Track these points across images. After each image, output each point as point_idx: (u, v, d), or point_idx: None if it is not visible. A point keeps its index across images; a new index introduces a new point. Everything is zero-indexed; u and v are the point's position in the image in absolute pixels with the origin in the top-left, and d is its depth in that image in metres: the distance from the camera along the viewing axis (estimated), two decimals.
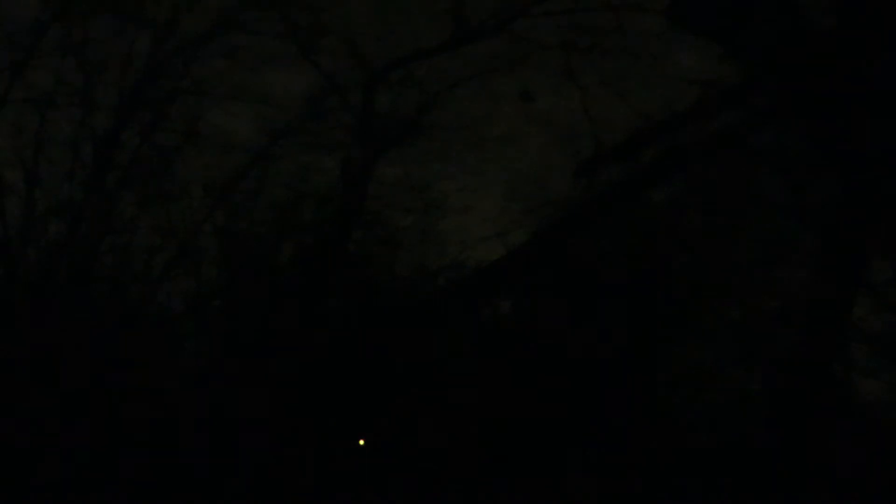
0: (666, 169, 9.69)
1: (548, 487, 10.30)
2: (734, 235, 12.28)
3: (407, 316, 11.35)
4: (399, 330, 10.94)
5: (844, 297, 8.42)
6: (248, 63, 12.43)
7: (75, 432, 9.48)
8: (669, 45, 11.17)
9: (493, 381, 11.05)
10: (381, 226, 13.21)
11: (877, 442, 10.67)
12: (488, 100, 13.20)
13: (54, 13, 11.47)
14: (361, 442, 10.74)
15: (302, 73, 12.86)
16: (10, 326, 10.54)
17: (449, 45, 12.64)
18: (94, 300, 11.64)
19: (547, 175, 12.98)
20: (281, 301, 12.09)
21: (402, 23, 12.63)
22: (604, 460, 10.72)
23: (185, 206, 12.29)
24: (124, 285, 11.97)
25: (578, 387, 11.31)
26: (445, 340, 11.59)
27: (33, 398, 9.63)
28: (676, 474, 10.62)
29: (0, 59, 11.43)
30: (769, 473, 9.03)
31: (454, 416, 10.70)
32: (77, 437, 9.45)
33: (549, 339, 11.77)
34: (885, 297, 11.07)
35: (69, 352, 10.20)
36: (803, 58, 7.35)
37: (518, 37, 12.51)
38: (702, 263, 12.34)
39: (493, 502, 10.15)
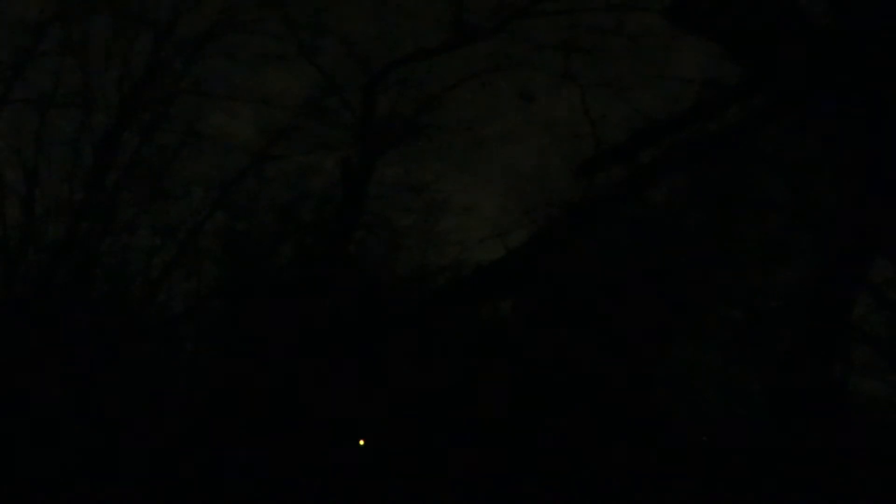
0: (666, 169, 9.69)
1: (547, 487, 10.30)
2: (734, 235, 12.28)
3: (407, 316, 11.35)
4: (399, 330, 10.94)
5: (844, 297, 8.42)
6: (248, 63, 12.45)
7: (75, 432, 9.48)
8: (669, 45, 11.19)
9: (493, 380, 11.05)
10: (381, 226, 13.22)
11: (877, 442, 10.67)
12: (488, 100, 13.23)
13: (54, 13, 11.49)
14: (361, 442, 10.74)
15: (302, 73, 12.88)
16: (10, 326, 10.54)
17: (449, 45, 12.64)
18: (94, 300, 11.64)
19: (547, 175, 13.00)
20: (281, 301, 12.09)
21: (402, 23, 12.65)
22: (603, 460, 10.72)
23: (185, 206, 12.32)
24: (124, 285, 11.98)
25: (577, 386, 11.31)
26: (445, 341, 11.59)
27: (33, 398, 9.63)
28: (676, 474, 10.62)
29: (0, 59, 11.46)
30: (769, 473, 9.04)
31: (454, 415, 10.70)
32: (77, 437, 9.45)
33: (548, 339, 11.77)
34: (885, 297, 11.08)
35: (69, 352, 10.20)
36: (803, 57, 7.36)
37: (518, 37, 12.52)
38: (702, 263, 12.34)
39: (493, 502, 10.15)
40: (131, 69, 11.92)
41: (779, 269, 12.20)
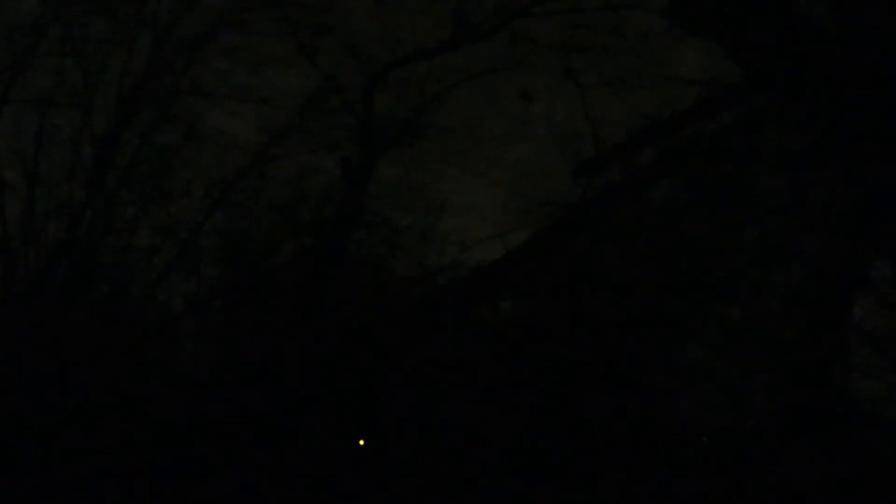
0: (666, 169, 9.70)
1: (547, 487, 10.30)
2: (734, 235, 12.27)
3: (407, 316, 11.35)
4: (399, 330, 10.94)
5: (844, 297, 8.42)
6: (248, 63, 12.44)
7: (75, 432, 9.48)
8: (669, 45, 11.18)
9: (493, 381, 11.05)
10: (381, 226, 13.21)
11: (877, 442, 10.67)
12: (488, 100, 13.22)
13: (54, 13, 11.48)
14: (361, 442, 10.74)
15: (302, 73, 12.87)
16: (10, 326, 10.54)
17: (449, 45, 12.64)
18: (94, 300, 11.63)
19: (547, 175, 12.98)
20: (281, 301, 12.09)
21: (402, 23, 12.65)
22: (602, 459, 10.72)
23: (185, 206, 12.31)
24: (124, 285, 11.97)
25: (577, 386, 11.31)
26: (445, 341, 11.58)
27: (33, 398, 9.63)
28: (675, 474, 10.62)
29: (0, 59, 11.44)
30: (769, 473, 9.04)
31: (454, 416, 10.70)
32: (77, 437, 9.45)
33: (548, 339, 11.76)
34: (885, 297, 11.07)
35: (69, 352, 10.20)
36: (803, 58, 7.36)
37: (518, 37, 12.52)
38: (702, 263, 12.33)
39: (493, 502, 10.15)
40: (131, 69, 11.91)
41: (779, 269, 12.20)
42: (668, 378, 12.37)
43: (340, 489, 9.87)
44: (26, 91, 11.61)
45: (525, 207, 13.03)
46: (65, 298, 11.07)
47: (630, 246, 12.67)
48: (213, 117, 12.38)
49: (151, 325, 11.80)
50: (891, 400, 11.43)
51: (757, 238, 12.24)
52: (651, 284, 12.02)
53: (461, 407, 10.79)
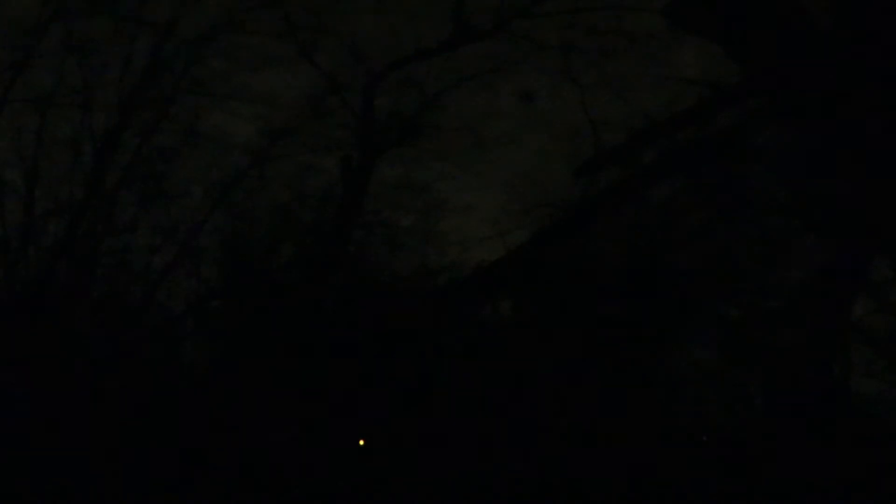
0: (666, 169, 9.71)
1: (547, 487, 10.30)
2: (734, 235, 12.27)
3: (407, 316, 11.35)
4: (399, 330, 10.94)
5: (844, 297, 8.43)
6: (248, 63, 12.45)
7: (74, 433, 9.48)
8: (669, 45, 11.20)
9: (492, 381, 11.05)
10: (381, 226, 13.21)
11: (877, 442, 10.67)
12: (488, 100, 13.23)
13: (54, 13, 11.49)
14: (361, 442, 10.74)
15: (302, 73, 12.88)
16: (10, 326, 10.54)
17: (449, 45, 12.66)
18: (94, 300, 11.64)
19: (547, 175, 12.98)
20: (281, 301, 12.09)
21: (402, 23, 12.66)
22: (602, 459, 10.72)
23: (185, 206, 12.32)
24: (124, 285, 11.97)
25: (577, 386, 11.31)
26: (445, 341, 11.59)
27: (33, 398, 9.64)
28: (675, 474, 10.62)
29: (0, 59, 11.45)
30: (769, 473, 9.04)
31: (453, 416, 10.70)
32: (76, 438, 9.45)
33: (548, 339, 11.76)
34: (885, 297, 11.07)
35: (69, 352, 10.21)
36: (803, 58, 7.36)
37: (518, 37, 12.54)
38: (701, 263, 12.33)
39: (493, 501, 10.15)
40: (131, 69, 11.91)
41: (779, 269, 12.20)
42: (668, 378, 12.37)
43: (340, 489, 9.87)
44: (26, 91, 11.62)
45: (525, 207, 13.05)
46: (65, 298, 11.07)
47: (630, 246, 12.67)
48: (213, 117, 12.39)
49: (151, 325, 11.80)
50: (891, 400, 11.44)
51: (757, 238, 12.24)
52: (651, 285, 12.02)
53: (461, 406, 10.80)
